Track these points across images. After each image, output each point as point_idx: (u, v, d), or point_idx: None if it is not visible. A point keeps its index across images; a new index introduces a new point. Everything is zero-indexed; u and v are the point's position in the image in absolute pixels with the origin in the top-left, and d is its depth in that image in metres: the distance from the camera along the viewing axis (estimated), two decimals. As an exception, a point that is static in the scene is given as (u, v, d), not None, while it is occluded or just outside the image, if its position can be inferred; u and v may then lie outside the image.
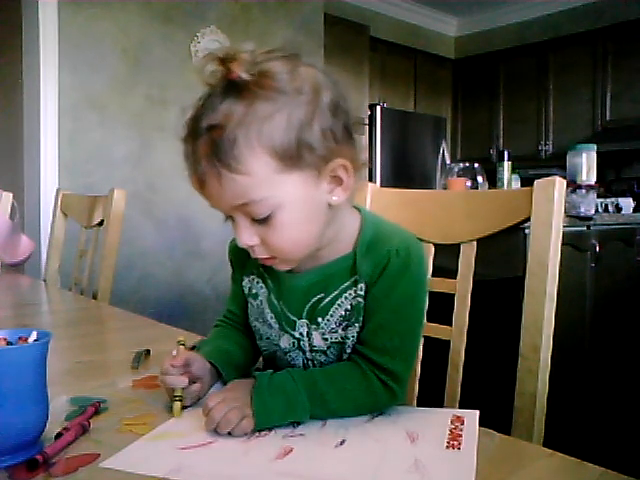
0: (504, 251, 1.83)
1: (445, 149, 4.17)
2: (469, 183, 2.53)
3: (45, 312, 1.46)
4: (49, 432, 0.57)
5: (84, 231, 1.80)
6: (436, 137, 4.76)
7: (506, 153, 2.74)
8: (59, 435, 0.57)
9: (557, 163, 4.20)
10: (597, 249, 2.31)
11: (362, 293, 0.66)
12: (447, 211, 0.96)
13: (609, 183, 4.62)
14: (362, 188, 1.04)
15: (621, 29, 4.78)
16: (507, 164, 2.71)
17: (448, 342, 0.90)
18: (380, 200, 1.05)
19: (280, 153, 0.58)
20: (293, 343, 0.71)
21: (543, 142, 5.19)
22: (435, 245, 0.94)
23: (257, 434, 0.59)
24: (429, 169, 4.61)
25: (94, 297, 1.59)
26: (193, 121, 0.60)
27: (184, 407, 0.65)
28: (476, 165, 2.63)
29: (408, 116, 4.78)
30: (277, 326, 0.72)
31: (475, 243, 0.90)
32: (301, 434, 0.60)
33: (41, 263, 2.34)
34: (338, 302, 0.68)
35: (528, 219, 0.83)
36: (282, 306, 0.71)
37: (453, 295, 0.91)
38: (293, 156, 0.59)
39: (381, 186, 1.10)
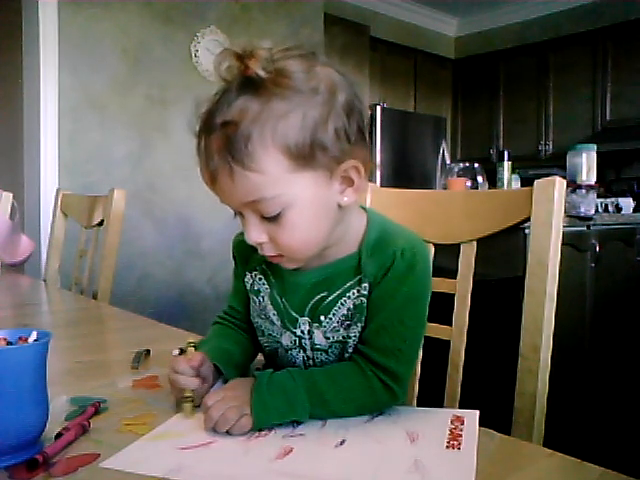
0: (504, 251, 1.83)
1: (445, 149, 4.17)
2: (469, 183, 2.54)
3: (45, 312, 1.46)
4: (49, 432, 0.57)
5: (84, 231, 1.80)
6: (436, 137, 4.76)
7: (506, 153, 2.75)
8: (59, 435, 0.57)
9: (557, 163, 4.19)
10: (597, 249, 2.31)
11: (366, 293, 0.66)
12: (447, 211, 0.96)
13: (609, 183, 4.62)
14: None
15: (621, 29, 4.78)
16: (507, 164, 2.71)
17: (448, 342, 0.90)
18: (380, 200, 1.04)
19: (294, 152, 0.58)
20: (294, 341, 0.71)
21: (543, 142, 5.19)
22: (435, 245, 0.94)
23: (257, 434, 0.59)
24: (429, 169, 4.61)
25: (94, 297, 1.59)
26: (207, 116, 0.60)
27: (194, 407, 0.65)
28: (476, 165, 2.63)
29: (408, 116, 4.77)
30: (279, 323, 0.71)
31: (475, 243, 0.90)
32: (301, 434, 0.59)
33: (41, 263, 2.34)
34: (341, 301, 0.68)
35: (528, 219, 0.83)
36: (285, 303, 0.71)
37: (453, 295, 0.91)
38: (306, 156, 0.59)
39: (381, 186, 1.10)
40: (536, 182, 0.82)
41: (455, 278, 0.91)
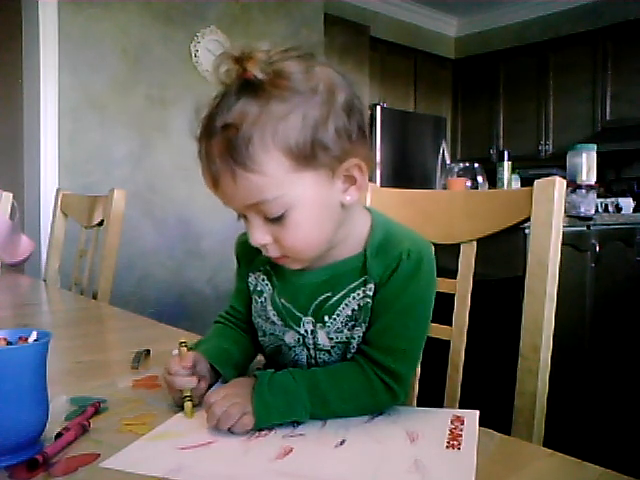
0: (504, 251, 1.83)
1: (445, 149, 4.16)
2: (469, 183, 2.54)
3: (45, 312, 1.46)
4: (49, 432, 0.57)
5: (84, 231, 1.80)
6: (436, 137, 4.76)
7: (506, 153, 2.75)
8: (59, 435, 0.57)
9: (557, 163, 4.19)
10: (597, 249, 2.31)
11: (370, 294, 0.66)
12: (447, 211, 0.96)
13: (609, 183, 4.62)
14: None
15: (621, 29, 4.78)
16: (507, 164, 2.71)
17: (448, 342, 0.90)
18: (380, 200, 1.04)
19: (295, 153, 0.58)
20: (298, 339, 0.70)
21: (543, 142, 5.19)
22: (435, 245, 0.93)
23: (257, 434, 0.59)
24: (429, 169, 4.61)
25: (94, 297, 1.59)
26: (208, 120, 0.60)
27: (194, 406, 0.65)
28: (476, 165, 2.63)
29: (408, 116, 4.77)
30: (281, 323, 0.71)
31: (475, 243, 0.90)
32: (301, 434, 0.59)
33: (41, 263, 2.34)
34: (345, 302, 0.67)
35: (528, 219, 0.83)
36: (286, 304, 0.71)
37: (453, 295, 0.91)
38: (308, 156, 0.59)
39: (381, 186, 1.10)
40: (536, 182, 0.82)
41: (455, 278, 0.91)
